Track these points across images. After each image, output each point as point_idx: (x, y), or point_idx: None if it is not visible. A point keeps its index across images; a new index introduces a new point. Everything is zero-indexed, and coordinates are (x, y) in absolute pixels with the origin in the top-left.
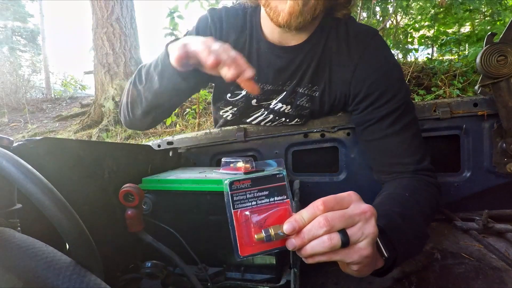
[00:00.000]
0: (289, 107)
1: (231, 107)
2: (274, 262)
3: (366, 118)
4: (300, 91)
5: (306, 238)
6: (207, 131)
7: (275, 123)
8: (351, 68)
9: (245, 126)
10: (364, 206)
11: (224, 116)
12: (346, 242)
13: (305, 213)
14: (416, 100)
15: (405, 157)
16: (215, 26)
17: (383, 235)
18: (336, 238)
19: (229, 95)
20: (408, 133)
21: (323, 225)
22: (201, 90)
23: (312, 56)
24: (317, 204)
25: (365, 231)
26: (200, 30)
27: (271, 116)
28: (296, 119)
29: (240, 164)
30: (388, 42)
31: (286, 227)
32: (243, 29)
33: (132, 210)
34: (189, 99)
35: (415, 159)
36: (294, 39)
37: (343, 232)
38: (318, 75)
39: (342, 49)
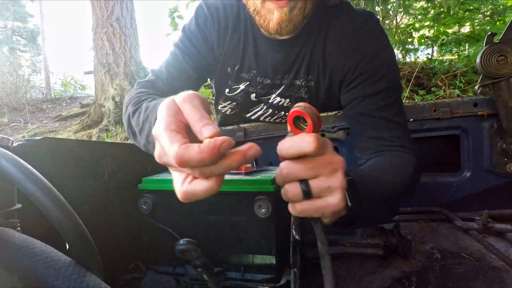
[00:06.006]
0: (287, 100)
1: (230, 101)
2: (274, 262)
3: (354, 96)
4: (298, 83)
5: (281, 182)
6: None
7: (274, 117)
8: (345, 53)
9: (244, 126)
10: (334, 158)
11: (223, 111)
12: (307, 192)
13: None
14: (416, 100)
15: (385, 132)
16: (212, 16)
17: (352, 185)
18: (296, 189)
19: (227, 90)
20: (391, 110)
21: (281, 174)
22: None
23: (307, 46)
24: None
25: (330, 184)
26: (200, 22)
27: (270, 110)
28: None
29: None
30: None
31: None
32: (237, 21)
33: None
34: None
35: (394, 135)
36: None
37: (305, 182)
38: (312, 64)
39: (336, 34)
